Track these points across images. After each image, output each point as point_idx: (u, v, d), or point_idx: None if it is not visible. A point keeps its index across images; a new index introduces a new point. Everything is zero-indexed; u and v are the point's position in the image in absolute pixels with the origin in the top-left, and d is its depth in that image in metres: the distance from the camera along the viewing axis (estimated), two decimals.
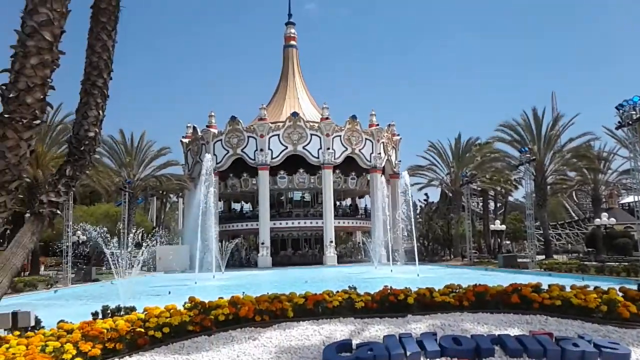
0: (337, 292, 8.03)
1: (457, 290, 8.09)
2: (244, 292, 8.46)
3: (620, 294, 7.42)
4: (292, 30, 51.80)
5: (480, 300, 7.53)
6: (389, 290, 7.65)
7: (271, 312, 7.03)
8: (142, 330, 6.15)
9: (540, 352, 5.47)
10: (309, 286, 16.51)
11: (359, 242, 50.57)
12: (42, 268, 36.34)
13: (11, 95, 6.81)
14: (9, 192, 7.21)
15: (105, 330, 5.97)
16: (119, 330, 6.01)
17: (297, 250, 46.95)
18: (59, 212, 8.94)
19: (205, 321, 6.62)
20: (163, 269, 36.76)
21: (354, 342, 5.76)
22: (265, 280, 27.29)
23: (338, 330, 6.47)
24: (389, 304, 7.38)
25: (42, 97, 7.20)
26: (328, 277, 26.88)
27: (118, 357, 5.67)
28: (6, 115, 6.79)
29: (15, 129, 6.88)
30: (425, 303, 7.44)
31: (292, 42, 51.71)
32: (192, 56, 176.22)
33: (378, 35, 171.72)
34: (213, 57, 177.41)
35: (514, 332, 6.21)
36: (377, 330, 6.42)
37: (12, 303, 15.75)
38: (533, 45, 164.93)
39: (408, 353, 5.45)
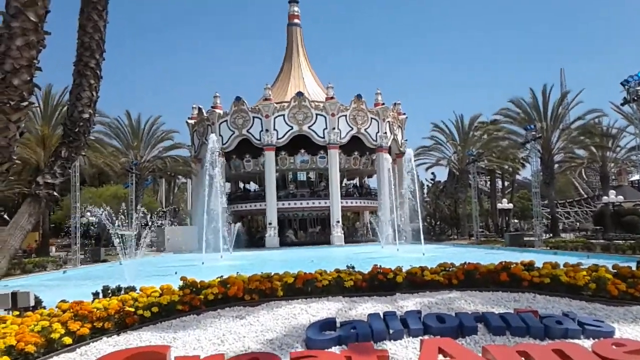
0: (330, 271, 8.07)
1: (449, 269, 8.09)
2: (237, 272, 8.53)
3: (613, 271, 7.39)
4: (296, 9, 51.03)
5: (470, 279, 7.52)
6: (378, 269, 7.68)
7: (261, 292, 7.08)
8: (132, 309, 6.24)
9: (524, 329, 5.47)
10: (314, 265, 16.58)
11: (367, 222, 50.71)
12: (53, 249, 36.88)
13: None
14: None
15: (95, 310, 6.07)
16: (108, 309, 6.11)
17: (304, 230, 47.18)
18: (55, 193, 9.05)
19: (195, 301, 6.70)
20: (172, 250, 37.24)
21: (338, 320, 5.80)
22: (272, 260, 27.51)
23: (325, 308, 6.51)
24: (378, 282, 7.40)
25: (29, 78, 7.17)
26: (334, 257, 27.00)
27: (106, 336, 5.77)
28: None
29: (3, 111, 6.89)
30: (415, 282, 7.45)
31: (296, 21, 51.02)
32: (197, 37, 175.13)
33: (384, 14, 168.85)
34: (217, 37, 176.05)
35: (500, 310, 6.21)
36: (363, 308, 6.45)
37: (20, 284, 16.05)
38: (543, 22, 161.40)
39: (391, 331, 5.47)
